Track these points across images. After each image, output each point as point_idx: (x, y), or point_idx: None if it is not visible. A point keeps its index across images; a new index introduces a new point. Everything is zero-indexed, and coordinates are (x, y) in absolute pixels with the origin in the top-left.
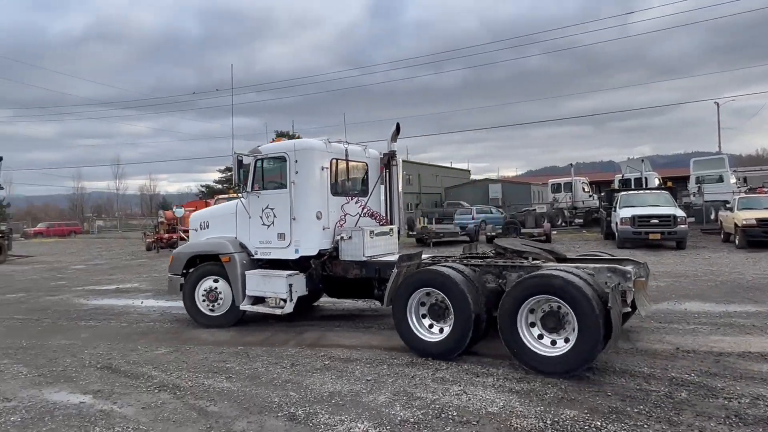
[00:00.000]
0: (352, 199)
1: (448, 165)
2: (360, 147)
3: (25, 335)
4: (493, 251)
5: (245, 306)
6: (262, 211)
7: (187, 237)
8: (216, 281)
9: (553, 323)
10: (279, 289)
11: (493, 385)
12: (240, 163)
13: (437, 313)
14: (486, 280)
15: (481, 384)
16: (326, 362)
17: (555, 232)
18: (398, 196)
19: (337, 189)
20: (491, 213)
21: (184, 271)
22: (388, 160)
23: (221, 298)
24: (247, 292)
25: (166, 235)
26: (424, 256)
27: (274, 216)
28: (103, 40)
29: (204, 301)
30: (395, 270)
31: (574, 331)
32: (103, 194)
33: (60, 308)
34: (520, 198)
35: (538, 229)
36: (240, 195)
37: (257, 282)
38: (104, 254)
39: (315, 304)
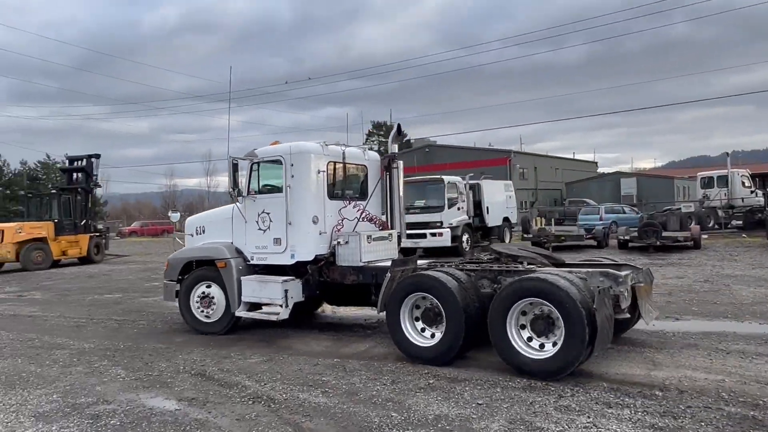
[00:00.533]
0: (349, 203)
1: (571, 156)
2: (359, 149)
3: (122, 337)
4: (490, 256)
5: (241, 312)
6: (258, 215)
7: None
8: (210, 287)
9: (542, 326)
10: (274, 295)
11: (630, 419)
12: (235, 167)
13: (430, 318)
14: (482, 285)
15: (614, 416)
16: (431, 381)
17: (705, 236)
18: (399, 199)
19: (334, 193)
20: (624, 213)
21: (180, 277)
22: (389, 163)
23: (215, 304)
24: (243, 298)
25: None
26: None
27: (270, 221)
28: (196, 31)
29: (198, 307)
30: (388, 275)
31: (561, 333)
32: (194, 191)
33: (154, 310)
34: (660, 194)
35: (683, 233)
36: (236, 199)
37: (253, 288)
38: None
39: (317, 311)
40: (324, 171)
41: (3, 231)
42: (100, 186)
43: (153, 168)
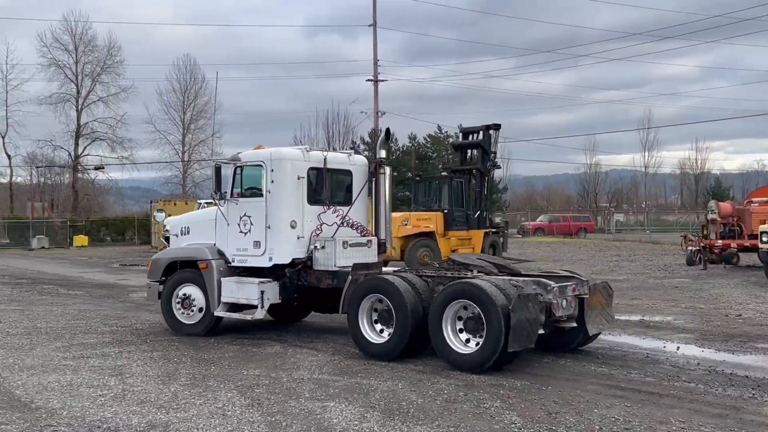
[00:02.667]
0: (329, 209)
1: None
2: (344, 154)
3: (518, 371)
4: (447, 265)
5: (220, 312)
6: (240, 218)
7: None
8: (191, 288)
9: (472, 326)
10: (251, 296)
11: None
12: (218, 170)
13: (385, 319)
14: (437, 291)
15: None
16: None
17: None
18: (385, 206)
19: (314, 198)
20: None
21: (163, 278)
22: (376, 168)
23: (195, 306)
24: (222, 299)
25: (719, 242)
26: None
27: (251, 224)
28: None
29: (179, 308)
30: (349, 278)
31: (484, 331)
32: (625, 173)
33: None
34: None
35: None
36: (218, 202)
37: (231, 288)
38: (624, 266)
39: (303, 319)
40: (304, 177)
41: None
42: (499, 167)
43: (568, 141)
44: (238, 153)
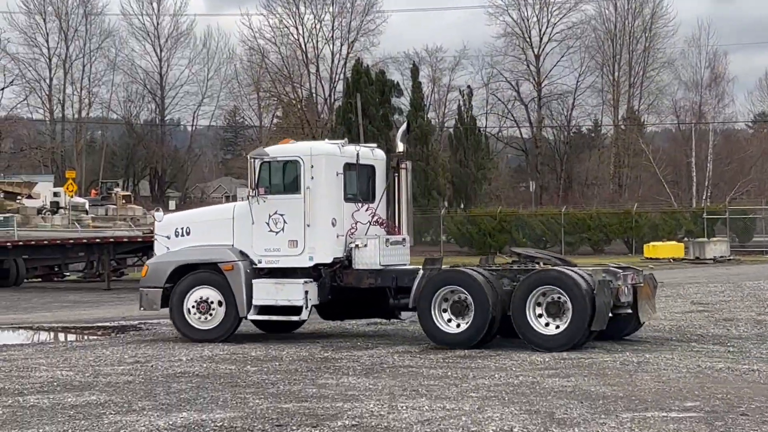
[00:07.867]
0: (362, 206)
1: None
2: (368, 148)
3: None
4: (509, 256)
5: (253, 316)
6: (270, 217)
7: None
8: (207, 291)
9: (554, 310)
10: (294, 297)
11: None
12: (253, 164)
13: (458, 310)
14: (503, 284)
15: None
16: None
17: None
18: (407, 202)
19: (348, 195)
20: None
21: (167, 284)
22: (398, 163)
23: (214, 309)
24: (254, 302)
25: None
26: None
27: (284, 222)
28: None
29: (194, 313)
30: (421, 272)
31: (569, 314)
32: None
33: None
34: None
35: None
36: (255, 200)
37: (268, 290)
38: None
39: (295, 330)
40: (341, 173)
41: None
42: None
43: None
44: (264, 148)
